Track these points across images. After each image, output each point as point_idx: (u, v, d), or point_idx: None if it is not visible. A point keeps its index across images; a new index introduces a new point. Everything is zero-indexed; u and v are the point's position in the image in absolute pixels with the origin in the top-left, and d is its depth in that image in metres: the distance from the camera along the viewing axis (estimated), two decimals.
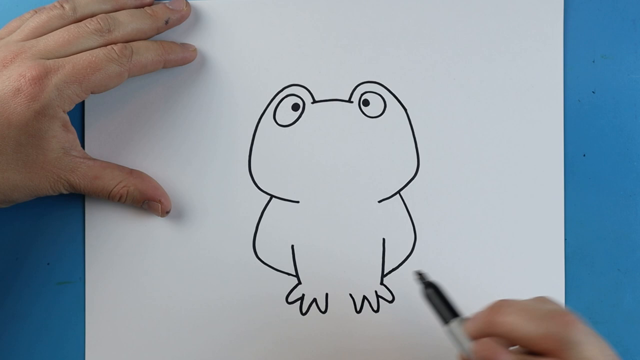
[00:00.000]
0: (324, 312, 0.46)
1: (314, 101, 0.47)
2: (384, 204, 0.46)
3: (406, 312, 0.46)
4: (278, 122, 0.47)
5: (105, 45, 0.43)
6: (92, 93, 0.43)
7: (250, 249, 0.46)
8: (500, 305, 0.35)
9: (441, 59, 0.46)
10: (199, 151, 0.47)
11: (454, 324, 0.37)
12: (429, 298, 0.39)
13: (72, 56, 0.42)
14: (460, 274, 0.46)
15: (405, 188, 0.46)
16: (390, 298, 0.46)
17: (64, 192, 0.43)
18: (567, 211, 0.46)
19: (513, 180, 0.46)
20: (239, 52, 0.47)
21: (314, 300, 0.46)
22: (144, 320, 0.46)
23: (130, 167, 0.46)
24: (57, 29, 0.43)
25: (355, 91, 0.47)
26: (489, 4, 0.46)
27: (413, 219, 0.46)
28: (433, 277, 0.40)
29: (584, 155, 0.46)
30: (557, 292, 0.46)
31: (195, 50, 0.46)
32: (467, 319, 0.37)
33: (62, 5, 0.43)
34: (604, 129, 0.46)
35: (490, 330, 0.35)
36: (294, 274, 0.46)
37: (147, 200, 0.45)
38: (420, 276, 0.40)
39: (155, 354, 0.46)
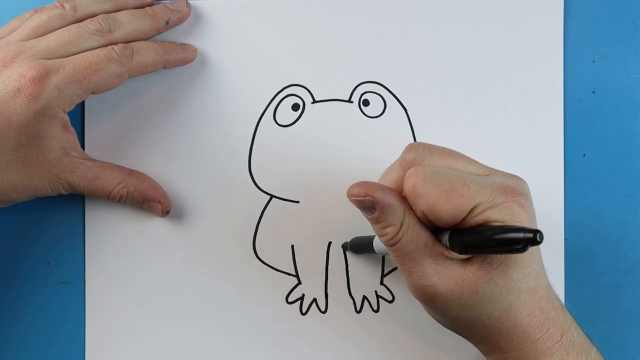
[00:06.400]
0: (324, 312, 0.46)
1: (314, 101, 0.47)
2: None
3: (406, 312, 0.46)
4: (278, 122, 0.47)
5: (106, 45, 0.43)
6: (92, 93, 0.43)
7: (250, 249, 0.46)
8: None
9: (441, 59, 0.46)
10: (199, 151, 0.47)
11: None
12: (352, 249, 0.45)
13: (72, 56, 0.42)
14: None
15: None
16: (390, 298, 0.46)
17: (64, 192, 0.43)
18: (567, 211, 0.46)
19: None
20: (239, 52, 0.47)
21: (314, 300, 0.46)
22: (144, 320, 0.46)
23: (130, 168, 0.45)
24: (57, 29, 0.43)
25: (355, 91, 0.47)
26: (489, 4, 0.46)
27: None
28: None
29: (584, 155, 0.46)
30: (557, 292, 0.45)
31: (195, 50, 0.46)
32: None
33: (62, 5, 0.43)
34: (604, 129, 0.46)
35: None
36: (294, 274, 0.46)
37: (147, 200, 0.45)
38: (344, 246, 0.46)
39: (155, 354, 0.46)
